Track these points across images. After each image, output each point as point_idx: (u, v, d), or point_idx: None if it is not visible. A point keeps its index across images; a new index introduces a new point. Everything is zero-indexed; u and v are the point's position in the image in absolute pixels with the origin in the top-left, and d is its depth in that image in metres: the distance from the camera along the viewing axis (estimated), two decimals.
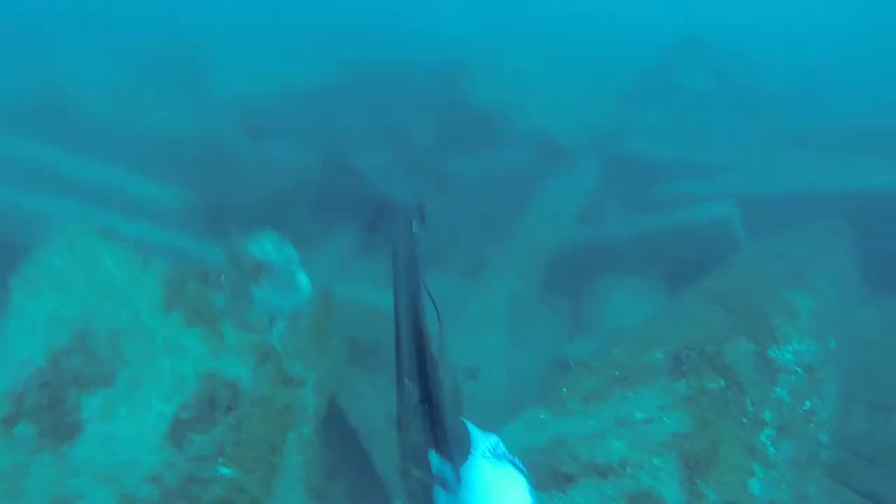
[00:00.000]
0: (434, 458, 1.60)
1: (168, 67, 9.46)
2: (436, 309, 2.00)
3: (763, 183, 6.81)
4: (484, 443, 1.68)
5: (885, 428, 3.67)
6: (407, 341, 1.84)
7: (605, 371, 2.79)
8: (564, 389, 2.76)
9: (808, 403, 2.90)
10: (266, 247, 2.67)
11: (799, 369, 2.89)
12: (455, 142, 7.96)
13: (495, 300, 5.30)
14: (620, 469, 2.25)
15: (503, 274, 5.58)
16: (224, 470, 2.32)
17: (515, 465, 1.61)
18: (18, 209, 5.21)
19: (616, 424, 2.48)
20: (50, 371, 2.35)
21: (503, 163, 7.45)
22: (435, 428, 1.65)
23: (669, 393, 2.56)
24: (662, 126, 9.67)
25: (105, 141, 6.88)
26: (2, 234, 5.15)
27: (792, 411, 2.79)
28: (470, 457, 1.63)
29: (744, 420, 2.54)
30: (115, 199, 6.03)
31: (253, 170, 6.83)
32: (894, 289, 5.34)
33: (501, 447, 1.65)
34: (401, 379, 1.79)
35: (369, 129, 8.86)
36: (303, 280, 2.79)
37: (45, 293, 2.48)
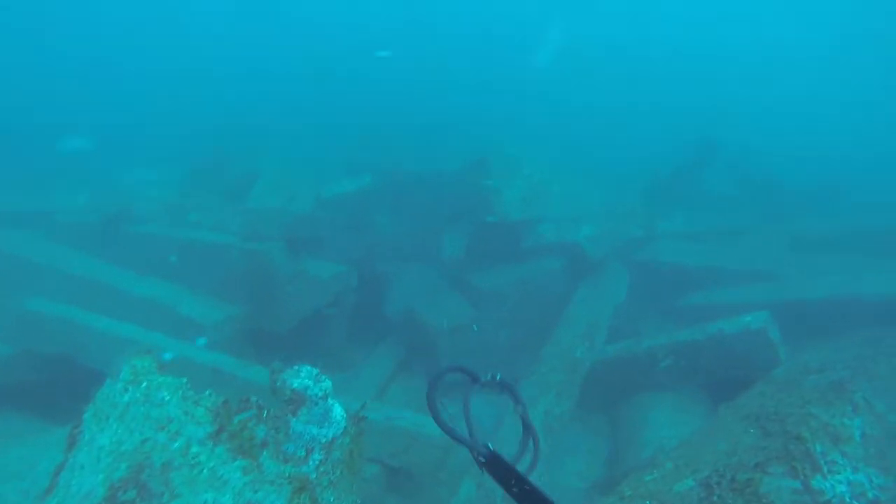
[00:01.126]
0: None
1: (213, 180, 10.21)
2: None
3: (795, 290, 6.78)
4: None
5: None
6: None
7: (635, 500, 2.70)
8: None
9: None
10: (305, 380, 2.81)
11: None
12: (484, 255, 8.23)
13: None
14: None
15: (537, 392, 5.55)
16: None
17: None
18: (85, 331, 5.56)
19: None
20: None
21: (532, 276, 7.61)
22: None
23: None
24: (688, 232, 9.82)
25: (157, 258, 7.39)
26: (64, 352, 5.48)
27: None
28: None
29: None
30: (169, 320, 6.38)
31: (293, 288, 7.12)
32: None
33: None
34: None
35: (405, 243, 9.25)
36: (338, 412, 2.89)
37: (111, 426, 2.66)
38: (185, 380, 2.84)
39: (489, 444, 1.99)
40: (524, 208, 8.00)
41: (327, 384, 2.71)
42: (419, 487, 5.10)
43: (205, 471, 2.78)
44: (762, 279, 7.48)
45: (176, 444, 2.71)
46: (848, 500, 2.57)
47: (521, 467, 1.96)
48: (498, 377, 2.25)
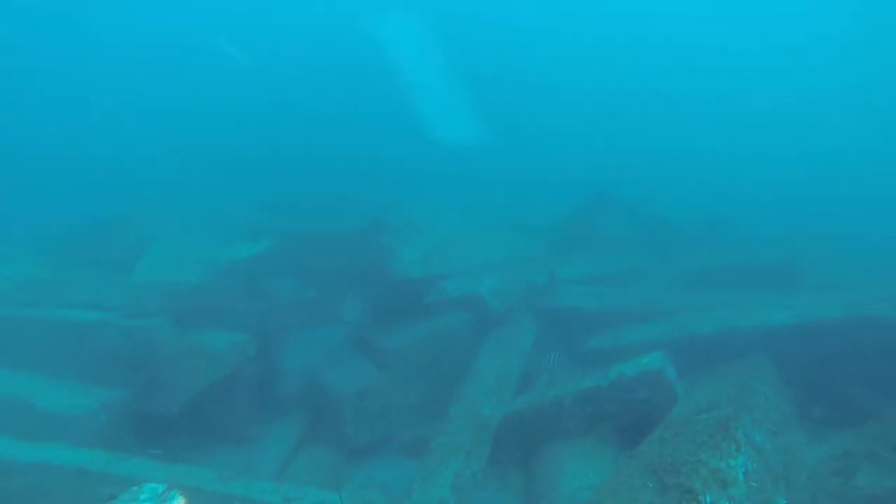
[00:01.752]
0: None
1: (100, 250, 9.36)
2: None
3: (686, 326, 7.10)
4: None
5: None
6: None
7: None
8: None
9: None
10: None
11: None
12: (389, 315, 8.04)
13: (440, 483, 5.01)
14: None
15: (447, 455, 5.34)
16: None
17: None
18: None
19: None
20: None
21: (437, 332, 7.49)
22: None
23: None
24: (588, 275, 10.16)
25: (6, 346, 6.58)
26: None
27: None
28: None
29: None
30: (24, 417, 5.62)
31: (182, 364, 6.56)
32: (831, 424, 5.42)
33: None
34: None
35: (306, 308, 8.88)
36: None
37: None
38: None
39: None
40: (424, 265, 7.95)
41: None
42: None
43: None
44: (656, 317, 7.79)
45: None
46: None
47: None
48: None
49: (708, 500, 2.61)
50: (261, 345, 7.61)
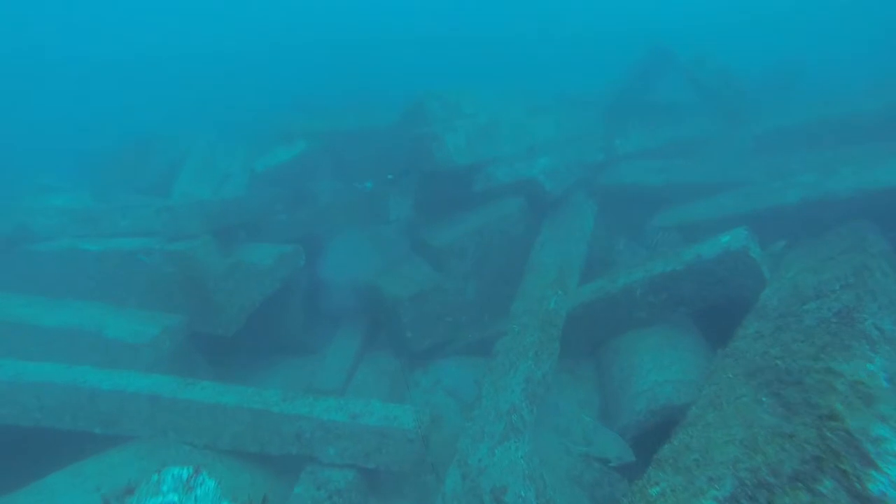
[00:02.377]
0: None
1: (135, 174, 9.18)
2: None
3: (767, 197, 6.35)
4: None
5: None
6: None
7: None
8: None
9: None
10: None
11: None
12: (435, 208, 7.59)
13: (510, 388, 4.77)
14: None
15: (515, 358, 5.07)
16: None
17: None
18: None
19: None
20: None
21: (489, 222, 7.01)
22: None
23: None
24: (648, 148, 9.29)
25: (70, 279, 6.56)
26: None
27: None
28: None
29: None
30: (96, 348, 5.66)
31: (230, 284, 6.42)
32: None
33: None
34: None
35: (350, 209, 8.53)
36: None
37: None
38: None
39: None
40: (470, 151, 7.29)
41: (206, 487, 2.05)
42: (400, 486, 4.66)
43: None
44: (730, 188, 7.04)
45: None
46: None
47: None
48: None
49: (854, 425, 2.08)
50: (309, 253, 7.41)
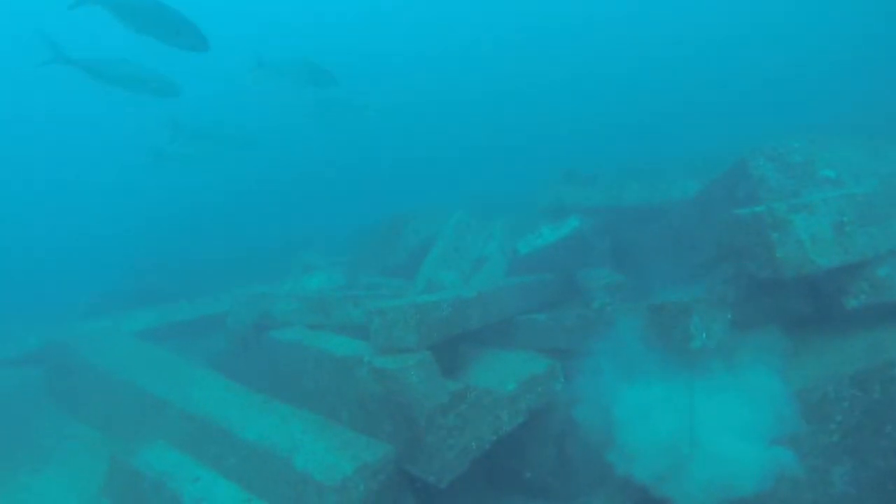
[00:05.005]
0: None
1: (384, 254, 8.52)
2: None
3: None
4: None
5: None
6: None
7: None
8: None
9: None
10: None
11: None
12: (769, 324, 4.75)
13: None
14: None
15: None
16: None
17: None
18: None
19: None
20: None
21: (875, 370, 3.94)
22: None
23: None
24: None
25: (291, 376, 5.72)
26: None
27: None
28: None
29: None
30: (281, 477, 4.52)
31: (448, 421, 4.74)
32: None
33: None
34: None
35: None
36: None
37: None
38: None
39: None
40: (840, 244, 4.38)
41: None
42: None
43: None
44: None
45: None
46: None
47: None
48: None
49: None
50: (566, 374, 5.36)
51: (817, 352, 4.55)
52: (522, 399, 5.03)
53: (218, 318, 7.66)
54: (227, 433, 4.89)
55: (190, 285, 8.63)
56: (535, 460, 5.41)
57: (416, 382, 4.38)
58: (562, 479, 5.30)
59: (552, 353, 5.56)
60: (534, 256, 7.89)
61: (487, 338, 5.75)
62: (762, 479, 3.64)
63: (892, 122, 8.23)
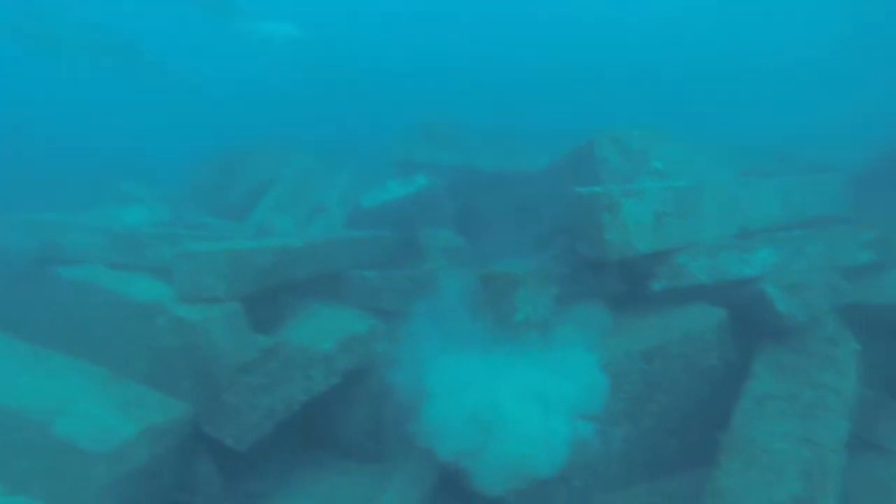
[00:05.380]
0: None
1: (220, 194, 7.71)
2: None
3: None
4: None
5: None
6: None
7: None
8: None
9: None
10: None
11: None
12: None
13: None
14: None
15: None
16: None
17: None
18: None
19: None
20: None
21: (668, 342, 4.27)
22: None
23: None
24: None
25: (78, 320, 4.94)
26: None
27: None
28: None
29: None
30: (35, 446, 3.85)
31: (252, 380, 4.38)
32: None
33: None
34: None
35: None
36: None
37: None
38: None
39: None
40: (658, 232, 4.63)
41: None
42: None
43: None
44: None
45: None
46: None
47: None
48: None
49: None
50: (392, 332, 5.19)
51: (626, 329, 4.83)
52: (339, 359, 4.77)
53: None
54: None
55: None
56: (351, 422, 5.23)
57: (218, 336, 3.93)
58: (375, 441, 5.19)
59: (380, 312, 5.37)
60: (377, 211, 7.59)
61: (314, 290, 5.39)
62: (558, 460, 3.78)
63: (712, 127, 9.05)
